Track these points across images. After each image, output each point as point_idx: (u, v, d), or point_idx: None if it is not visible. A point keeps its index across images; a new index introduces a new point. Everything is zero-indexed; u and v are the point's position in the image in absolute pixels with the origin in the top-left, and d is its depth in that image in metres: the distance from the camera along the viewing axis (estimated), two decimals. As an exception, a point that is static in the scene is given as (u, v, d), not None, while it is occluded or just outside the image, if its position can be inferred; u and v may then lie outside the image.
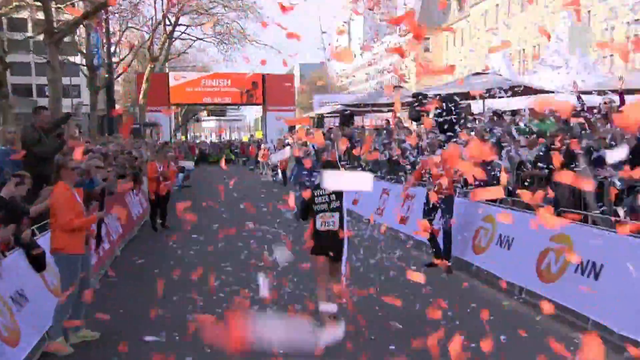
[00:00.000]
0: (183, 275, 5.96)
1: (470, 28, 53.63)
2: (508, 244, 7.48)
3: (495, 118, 11.42)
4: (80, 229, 5.35)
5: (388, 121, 18.05)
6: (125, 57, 37.66)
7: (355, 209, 12.12)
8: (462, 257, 8.29)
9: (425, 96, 11.33)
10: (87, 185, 7.35)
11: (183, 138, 52.41)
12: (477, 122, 11.29)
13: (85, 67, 31.63)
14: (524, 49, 42.27)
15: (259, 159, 31.21)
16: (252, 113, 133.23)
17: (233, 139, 64.09)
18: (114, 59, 39.00)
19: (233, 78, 36.63)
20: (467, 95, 12.40)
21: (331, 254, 5.33)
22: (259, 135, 52.58)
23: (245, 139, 53.89)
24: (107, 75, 25.72)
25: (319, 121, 23.97)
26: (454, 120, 9.13)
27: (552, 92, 13.54)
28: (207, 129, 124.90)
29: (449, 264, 7.95)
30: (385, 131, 15.16)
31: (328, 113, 24.79)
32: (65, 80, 47.83)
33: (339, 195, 5.41)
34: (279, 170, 25.36)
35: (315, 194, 5.51)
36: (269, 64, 60.31)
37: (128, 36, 34.85)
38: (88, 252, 5.66)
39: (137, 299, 6.77)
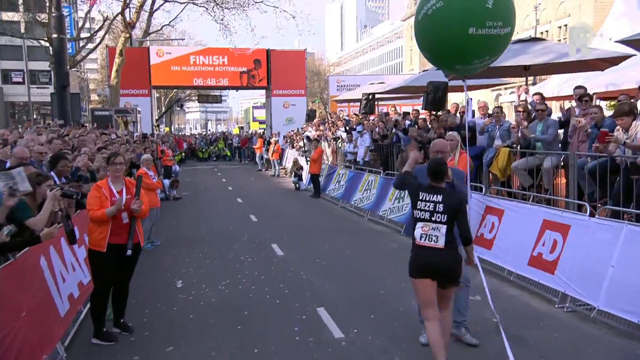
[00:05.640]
0: None
1: None
2: None
3: None
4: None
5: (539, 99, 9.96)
6: (97, 30, 30.16)
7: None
8: None
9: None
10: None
11: (167, 129, 44.85)
12: None
13: (47, 43, 24.65)
14: None
15: (269, 156, 24.49)
16: (237, 104, 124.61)
17: (221, 131, 56.75)
18: (83, 36, 31.75)
19: (230, 54, 29.22)
20: None
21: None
22: (254, 127, 45.41)
23: (235, 131, 46.71)
24: (55, 35, 17.68)
25: (368, 104, 16.66)
26: None
27: None
28: (193, 120, 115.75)
29: None
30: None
31: (384, 92, 17.07)
32: (35, 65, 40.56)
33: (449, 207, 4.06)
34: (306, 174, 18.57)
35: (420, 196, 4.17)
36: (272, 39, 52.46)
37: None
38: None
39: None
